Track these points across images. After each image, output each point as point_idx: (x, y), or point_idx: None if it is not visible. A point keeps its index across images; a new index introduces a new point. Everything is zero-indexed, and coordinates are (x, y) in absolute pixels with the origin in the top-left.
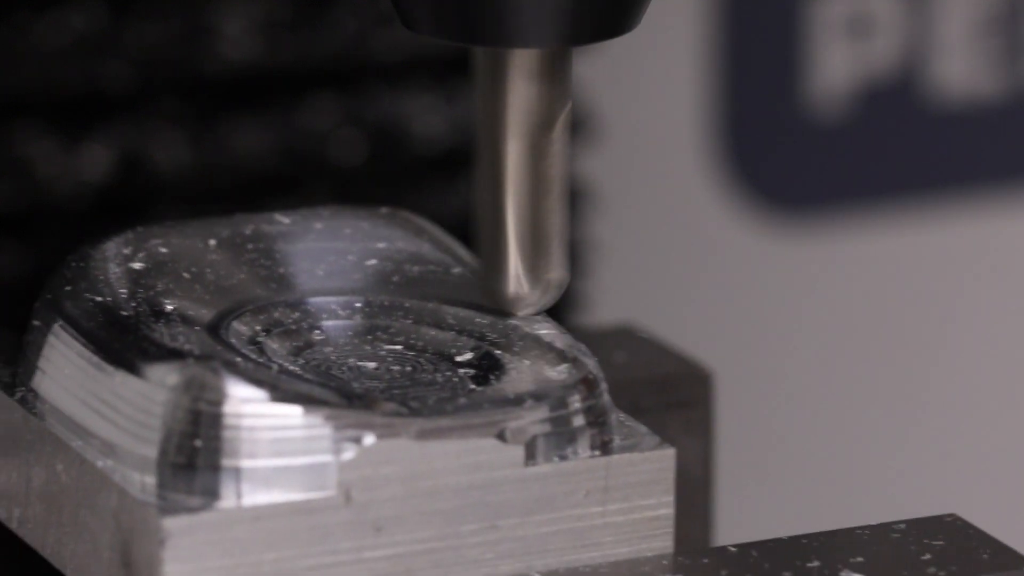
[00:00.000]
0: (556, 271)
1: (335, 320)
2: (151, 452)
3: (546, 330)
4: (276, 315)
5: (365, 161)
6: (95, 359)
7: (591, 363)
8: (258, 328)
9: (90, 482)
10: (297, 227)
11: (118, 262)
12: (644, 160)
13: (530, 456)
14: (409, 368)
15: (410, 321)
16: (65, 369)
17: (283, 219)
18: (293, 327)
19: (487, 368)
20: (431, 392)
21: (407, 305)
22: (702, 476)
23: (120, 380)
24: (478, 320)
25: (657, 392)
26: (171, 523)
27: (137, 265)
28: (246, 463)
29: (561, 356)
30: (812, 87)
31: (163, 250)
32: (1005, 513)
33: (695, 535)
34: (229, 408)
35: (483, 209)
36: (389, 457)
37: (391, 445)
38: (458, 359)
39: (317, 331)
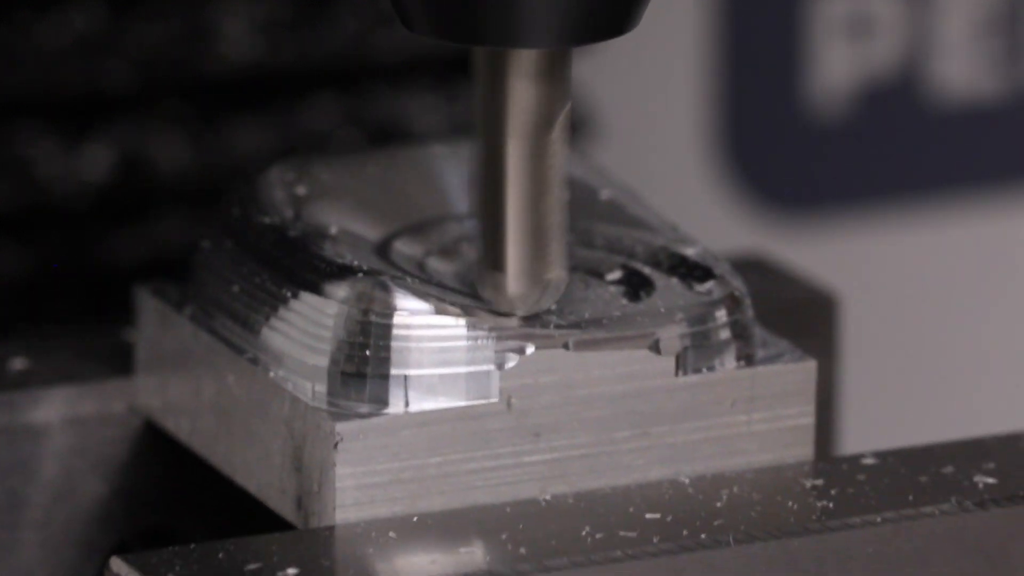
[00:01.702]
0: (555, 271)
1: None
2: (322, 362)
3: (692, 249)
4: (434, 236)
5: None
6: (266, 276)
7: (736, 280)
8: (418, 248)
9: (261, 392)
10: (450, 155)
11: (283, 187)
12: (644, 160)
13: (680, 367)
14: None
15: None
16: (235, 286)
17: (438, 148)
18: (451, 247)
19: (636, 285)
20: (585, 307)
21: None
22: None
23: (291, 295)
24: (627, 240)
25: (783, 317)
26: (343, 427)
27: (301, 190)
28: (413, 371)
29: (708, 273)
30: (812, 87)
31: (324, 177)
32: None
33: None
34: (398, 320)
35: (483, 209)
36: (548, 366)
37: (550, 355)
38: (608, 277)
39: (472, 249)
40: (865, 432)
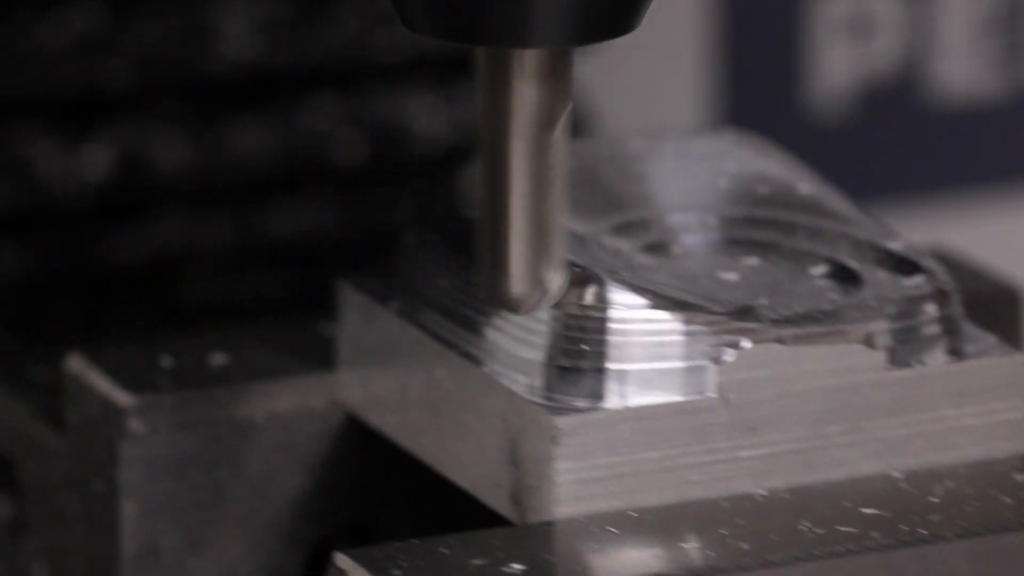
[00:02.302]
0: (557, 271)
1: (693, 235)
2: (537, 356)
3: (897, 243)
4: (639, 230)
5: (366, 161)
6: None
7: (943, 275)
8: (624, 242)
9: (475, 386)
10: (651, 148)
11: None
12: None
13: (892, 360)
14: (769, 279)
15: (764, 236)
16: (442, 280)
17: (638, 141)
18: (656, 241)
19: (844, 279)
20: (796, 301)
21: (759, 220)
22: None
23: None
24: (830, 234)
25: (967, 311)
26: (562, 422)
27: None
28: (630, 366)
29: (915, 267)
30: (812, 87)
31: None
32: None
33: None
34: (615, 314)
35: (484, 209)
36: (764, 361)
37: (766, 350)
38: (814, 271)
39: (678, 245)
40: None
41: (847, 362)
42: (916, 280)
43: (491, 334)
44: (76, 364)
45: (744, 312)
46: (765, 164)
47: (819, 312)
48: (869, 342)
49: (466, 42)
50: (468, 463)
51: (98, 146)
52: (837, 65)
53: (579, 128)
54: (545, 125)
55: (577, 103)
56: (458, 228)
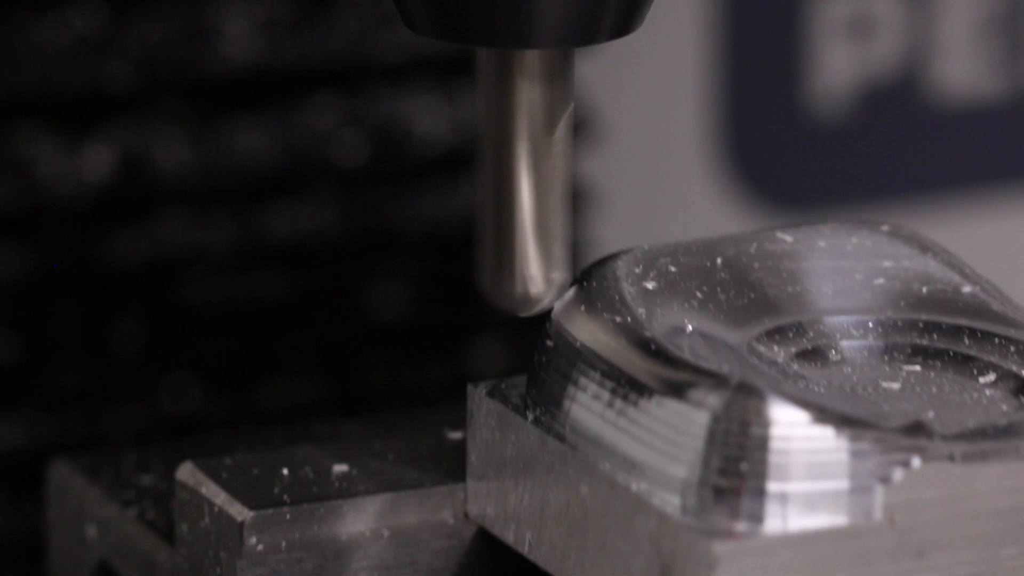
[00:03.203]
0: (559, 272)
1: (850, 340)
2: (690, 475)
3: None
4: (792, 335)
5: (367, 161)
6: (623, 381)
7: None
8: (777, 349)
9: (621, 505)
10: (801, 245)
11: (631, 281)
12: (646, 160)
13: None
14: (935, 389)
15: (926, 341)
16: (586, 390)
17: (786, 237)
18: (811, 347)
19: (1015, 389)
20: (964, 414)
21: (921, 325)
22: None
23: (653, 402)
24: (997, 339)
25: None
26: (720, 548)
27: (650, 284)
28: (793, 487)
29: None
30: (813, 87)
31: (672, 269)
32: None
33: None
34: (777, 431)
35: (486, 210)
36: (934, 480)
37: (936, 468)
38: (981, 380)
39: (833, 351)
40: None
41: (1021, 481)
42: None
43: (639, 450)
44: (188, 472)
45: (914, 428)
46: (924, 261)
47: (992, 426)
48: None
49: (467, 43)
50: None
51: (99, 146)
52: (837, 65)
53: (581, 128)
54: (547, 125)
55: (577, 103)
56: (603, 333)
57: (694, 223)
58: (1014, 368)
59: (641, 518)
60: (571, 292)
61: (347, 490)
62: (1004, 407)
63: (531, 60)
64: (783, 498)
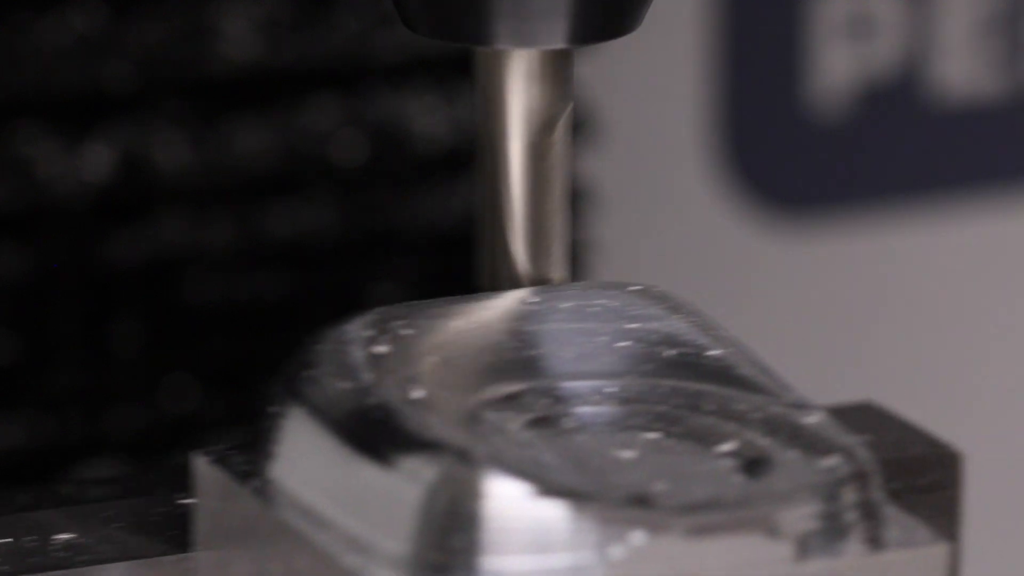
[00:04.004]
0: (557, 272)
1: (587, 406)
2: (404, 549)
3: (814, 418)
4: (527, 401)
5: (366, 162)
6: (342, 449)
7: (863, 453)
8: (509, 416)
9: None
10: (545, 306)
11: (360, 345)
12: (645, 161)
13: (801, 552)
14: (669, 459)
15: (667, 407)
16: (307, 459)
17: (530, 298)
18: (545, 414)
19: (751, 459)
20: (695, 485)
21: (662, 391)
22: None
23: (370, 472)
24: (740, 406)
25: (901, 474)
26: None
27: (381, 348)
28: (509, 561)
29: (831, 446)
30: (812, 87)
31: (406, 332)
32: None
33: None
34: (491, 504)
35: (484, 210)
36: (657, 555)
37: (660, 542)
38: (720, 448)
39: (569, 418)
40: None
41: (751, 555)
42: (832, 461)
43: (354, 523)
44: None
45: (638, 499)
46: (672, 323)
47: (721, 499)
48: (776, 532)
49: (466, 43)
50: None
51: (98, 146)
52: (837, 65)
53: (580, 128)
54: (545, 126)
55: (577, 103)
56: (326, 400)
57: (693, 223)
58: (753, 437)
59: None
60: (301, 356)
61: (68, 560)
62: (738, 479)
63: (529, 60)
64: (498, 573)
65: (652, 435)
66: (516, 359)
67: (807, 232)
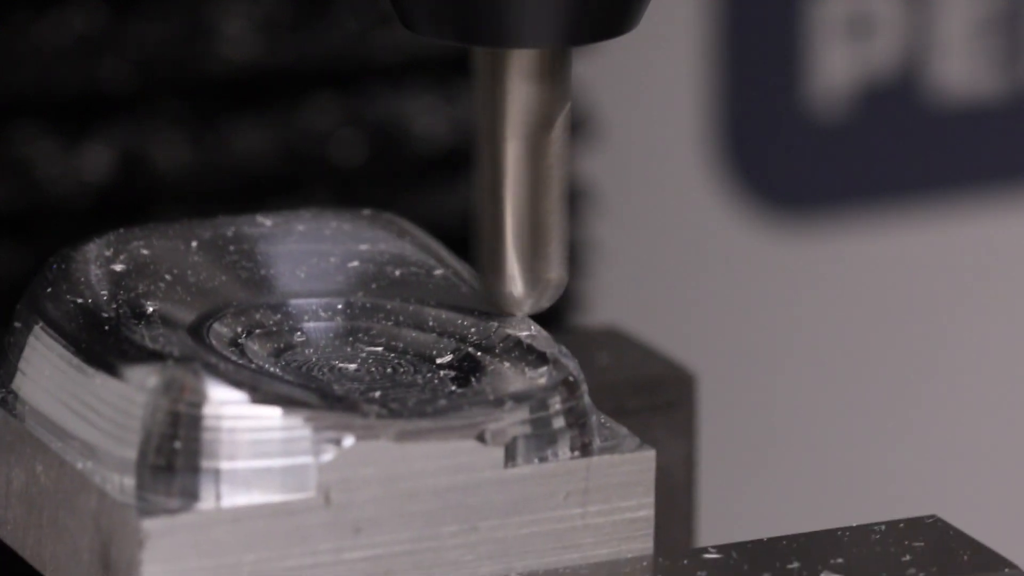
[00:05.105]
0: (555, 271)
1: (316, 322)
2: (130, 454)
3: (527, 332)
4: (257, 317)
5: (365, 161)
6: (75, 361)
7: (572, 365)
8: (239, 330)
9: (70, 484)
10: (279, 229)
11: (99, 264)
12: (644, 160)
13: (510, 458)
14: (389, 370)
15: (391, 323)
16: (45, 371)
17: (265, 221)
18: (274, 329)
19: (467, 370)
20: (411, 394)
21: (388, 307)
22: (685, 478)
23: (100, 382)
24: (459, 322)
25: (641, 394)
26: (150, 524)
27: (118, 267)
28: (225, 464)
29: (542, 358)
30: (812, 87)
31: (144, 252)
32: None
33: (677, 537)
34: (208, 410)
35: (482, 209)
36: (368, 459)
37: (371, 447)
38: (438, 361)
39: (298, 333)
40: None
41: (461, 460)
42: (541, 371)
43: (86, 430)
44: None
45: (350, 406)
46: (401, 245)
47: (431, 406)
48: (483, 438)
49: (464, 42)
50: (65, 565)
51: (98, 146)
52: (837, 65)
53: (579, 128)
54: (543, 125)
55: (577, 103)
56: (63, 314)
57: (692, 223)
58: (469, 350)
59: (84, 496)
60: (43, 274)
61: None
62: (453, 387)
63: (527, 59)
64: (216, 475)
65: (376, 349)
66: (249, 278)
67: (806, 232)
